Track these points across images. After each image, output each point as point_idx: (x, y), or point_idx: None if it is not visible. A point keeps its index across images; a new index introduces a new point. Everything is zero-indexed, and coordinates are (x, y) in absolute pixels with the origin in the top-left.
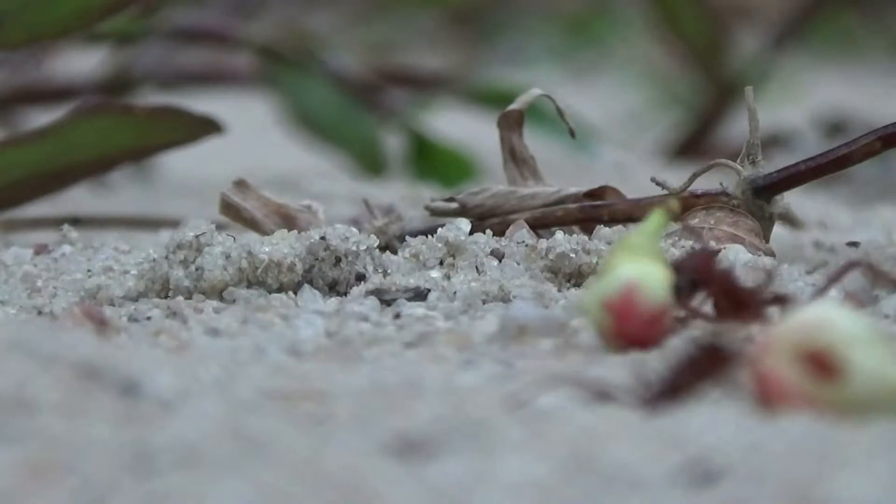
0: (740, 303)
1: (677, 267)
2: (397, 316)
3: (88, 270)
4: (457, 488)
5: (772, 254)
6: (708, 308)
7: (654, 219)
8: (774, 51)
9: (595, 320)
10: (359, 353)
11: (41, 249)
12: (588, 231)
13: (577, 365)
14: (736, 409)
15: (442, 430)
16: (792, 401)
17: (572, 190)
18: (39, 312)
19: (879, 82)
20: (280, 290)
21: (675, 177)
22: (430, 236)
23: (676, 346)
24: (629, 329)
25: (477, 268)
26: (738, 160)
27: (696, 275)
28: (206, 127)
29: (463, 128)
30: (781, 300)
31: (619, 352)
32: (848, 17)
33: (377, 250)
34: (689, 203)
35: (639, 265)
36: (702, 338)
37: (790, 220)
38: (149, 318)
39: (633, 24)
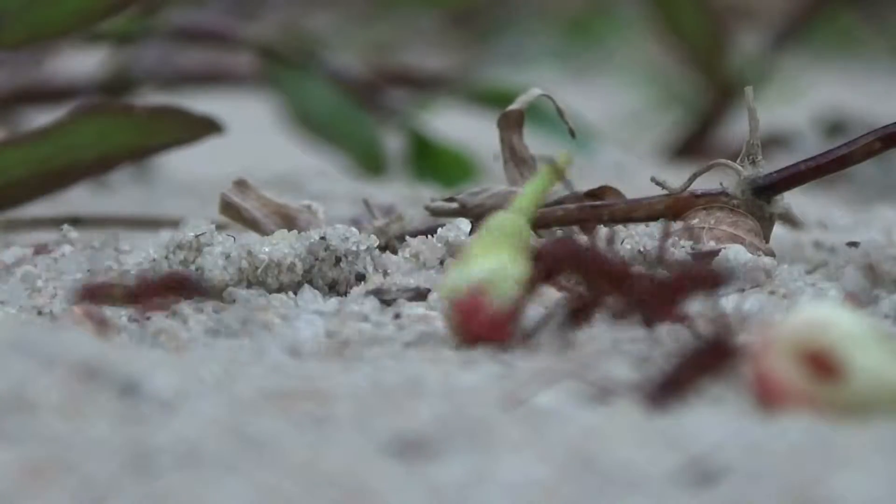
0: (614, 278)
1: (537, 256)
2: (397, 316)
3: (88, 270)
4: (457, 488)
5: (772, 254)
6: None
7: (537, 183)
8: (774, 51)
9: (445, 313)
10: (359, 353)
11: (41, 249)
12: (588, 231)
13: (577, 364)
14: (736, 409)
15: (442, 430)
16: (792, 401)
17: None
18: (39, 312)
19: (879, 82)
20: (280, 290)
21: (675, 177)
22: (430, 236)
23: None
24: (475, 330)
25: None
26: (738, 160)
27: (558, 262)
28: (206, 127)
29: (463, 128)
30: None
31: (468, 346)
32: (848, 17)
33: (377, 250)
34: (689, 203)
35: (493, 261)
36: (704, 334)
37: (790, 220)
38: (149, 318)
39: (633, 24)
